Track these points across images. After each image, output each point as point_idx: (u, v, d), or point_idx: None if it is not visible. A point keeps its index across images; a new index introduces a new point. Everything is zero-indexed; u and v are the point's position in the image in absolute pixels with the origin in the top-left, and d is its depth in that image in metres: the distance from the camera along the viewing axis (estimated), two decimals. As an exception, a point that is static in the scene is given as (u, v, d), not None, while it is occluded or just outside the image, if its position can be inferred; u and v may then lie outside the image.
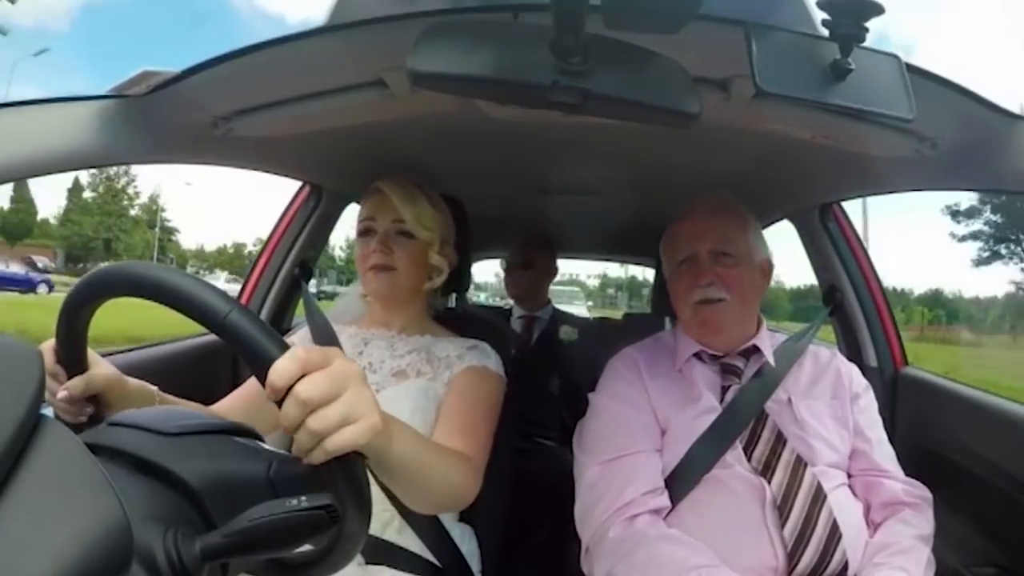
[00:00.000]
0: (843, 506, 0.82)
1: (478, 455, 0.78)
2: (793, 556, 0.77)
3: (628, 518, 0.80)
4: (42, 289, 18.72)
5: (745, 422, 0.86)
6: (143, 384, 0.69)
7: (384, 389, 0.89)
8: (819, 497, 0.80)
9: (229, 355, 1.30)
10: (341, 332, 0.98)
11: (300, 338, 1.00)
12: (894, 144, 0.79)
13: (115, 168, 30.01)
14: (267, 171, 1.14)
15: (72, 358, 0.58)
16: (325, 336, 0.98)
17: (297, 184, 1.37)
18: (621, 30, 0.47)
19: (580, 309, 6.84)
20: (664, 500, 0.83)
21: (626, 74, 0.49)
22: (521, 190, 1.54)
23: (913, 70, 0.55)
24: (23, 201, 31.96)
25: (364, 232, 0.96)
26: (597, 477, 0.86)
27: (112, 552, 0.30)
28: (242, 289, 1.44)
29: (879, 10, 0.47)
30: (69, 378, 0.59)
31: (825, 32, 0.49)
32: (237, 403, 0.88)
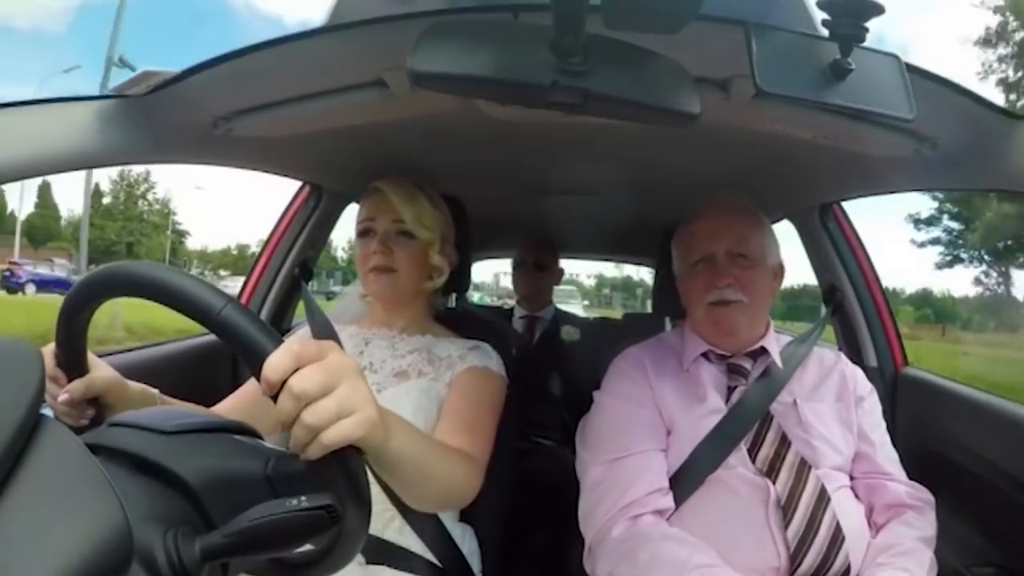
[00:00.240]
0: (845, 508, 0.82)
1: (479, 453, 0.78)
2: (796, 557, 0.77)
3: (632, 517, 0.80)
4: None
5: (750, 423, 0.86)
6: (144, 387, 0.69)
7: (385, 389, 0.89)
8: (823, 499, 0.80)
9: (229, 355, 1.30)
10: (342, 332, 0.98)
11: (300, 338, 1.00)
12: (894, 144, 0.79)
13: (135, 174, 33.60)
14: (267, 171, 1.14)
15: (72, 361, 0.58)
16: (326, 336, 0.97)
17: (297, 184, 1.37)
18: (621, 30, 0.47)
19: (576, 308, 6.84)
20: (668, 500, 0.83)
21: (626, 74, 0.49)
22: (521, 190, 1.54)
23: (913, 70, 0.55)
24: (47, 207, 33.19)
25: (364, 233, 0.96)
26: (601, 476, 0.86)
27: (112, 552, 0.30)
28: (242, 289, 1.44)
29: (879, 10, 0.47)
30: (69, 381, 0.59)
31: (825, 32, 0.49)
32: (237, 404, 0.88)
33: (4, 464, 0.28)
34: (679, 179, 1.27)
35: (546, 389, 1.87)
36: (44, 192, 33.00)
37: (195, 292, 0.42)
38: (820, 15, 0.49)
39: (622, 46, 0.49)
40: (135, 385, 0.67)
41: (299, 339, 1.00)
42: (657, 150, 1.09)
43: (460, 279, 1.06)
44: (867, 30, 0.48)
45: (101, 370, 0.62)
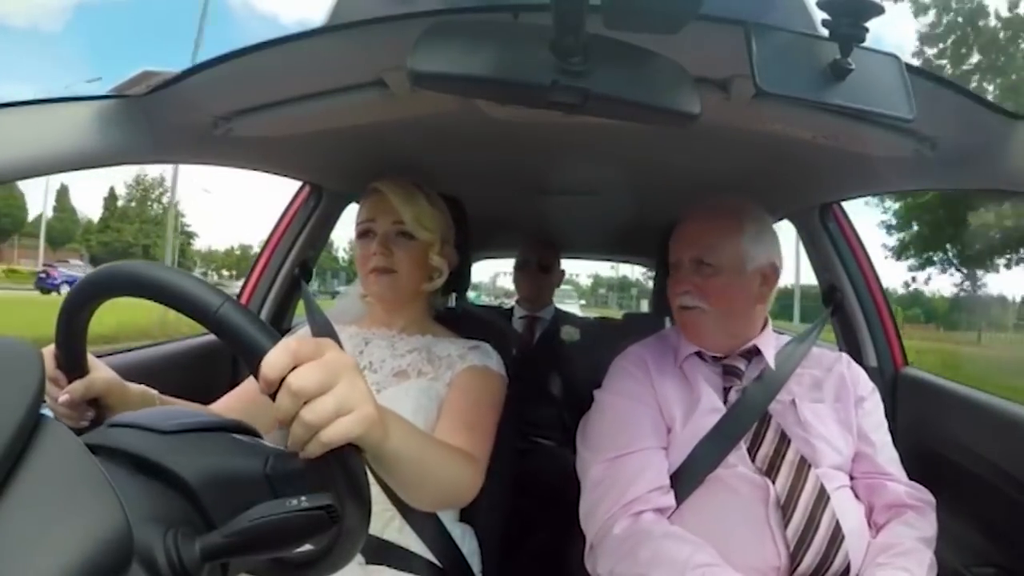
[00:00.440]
0: (845, 507, 0.82)
1: (480, 452, 0.78)
2: (796, 556, 0.77)
3: (633, 515, 0.80)
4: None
5: (749, 423, 0.86)
6: (144, 388, 0.69)
7: (385, 389, 0.89)
8: (822, 498, 0.80)
9: (228, 355, 1.30)
10: (342, 332, 0.98)
11: (300, 337, 1.00)
12: (894, 144, 0.79)
13: (150, 178, 34.13)
14: (267, 171, 1.14)
15: (72, 362, 0.58)
16: (326, 336, 0.97)
17: (297, 184, 1.37)
18: (621, 30, 0.47)
19: (573, 307, 6.87)
20: (669, 499, 0.83)
21: (626, 74, 0.49)
22: (521, 190, 1.54)
23: (913, 70, 0.55)
24: (65, 210, 34.38)
25: (363, 234, 0.96)
26: (602, 474, 0.86)
27: (112, 552, 0.30)
28: (242, 289, 1.44)
29: (879, 10, 0.47)
30: (69, 382, 0.59)
31: (825, 32, 0.49)
32: (234, 402, 0.87)
33: (4, 464, 0.28)
34: (679, 179, 1.27)
35: (546, 389, 1.86)
36: (62, 196, 34.25)
37: (193, 291, 0.42)
38: (820, 15, 0.49)
39: (622, 46, 0.49)
40: (134, 386, 0.67)
41: (298, 338, 1.00)
42: (657, 150, 1.09)
43: (460, 279, 1.06)
44: (867, 30, 0.48)
45: (101, 371, 0.62)
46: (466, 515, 0.94)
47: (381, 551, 0.82)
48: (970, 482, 1.00)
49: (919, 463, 0.94)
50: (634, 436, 0.87)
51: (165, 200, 34.42)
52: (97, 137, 0.67)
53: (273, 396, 0.41)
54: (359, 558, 0.79)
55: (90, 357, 0.60)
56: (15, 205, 31.81)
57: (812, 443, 0.85)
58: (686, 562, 0.74)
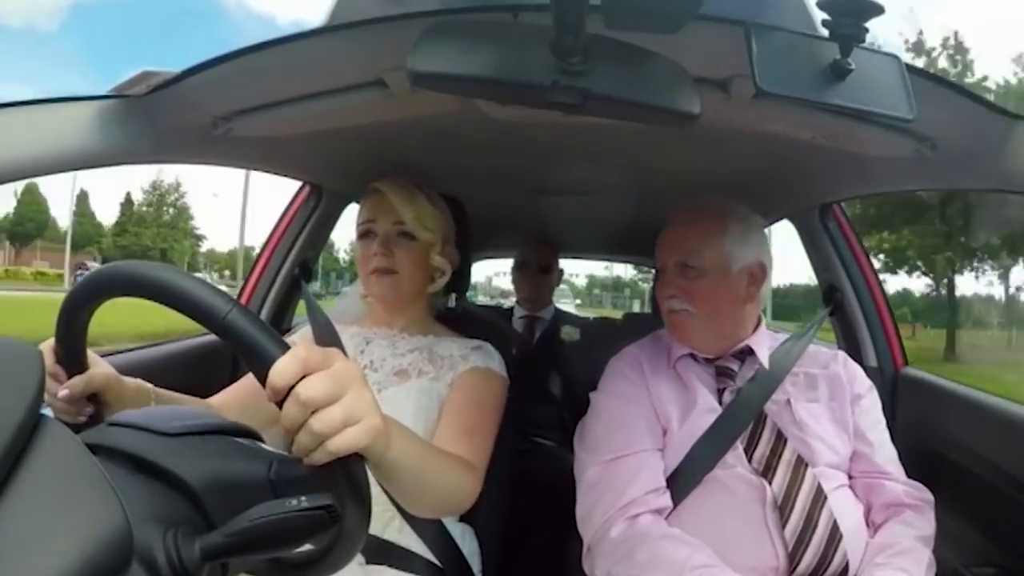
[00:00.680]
0: (843, 507, 0.82)
1: (479, 458, 0.78)
2: (794, 557, 0.77)
3: (630, 517, 0.80)
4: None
5: (745, 423, 0.86)
6: (139, 382, 0.69)
7: (386, 389, 0.89)
8: (819, 498, 0.80)
9: (228, 355, 1.30)
10: (343, 332, 0.98)
11: (301, 337, 1.00)
12: (894, 144, 0.79)
13: (166, 184, 36.43)
14: (267, 171, 1.14)
15: (72, 358, 0.58)
16: (327, 335, 0.97)
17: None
18: (621, 30, 0.47)
19: (569, 307, 6.90)
20: (666, 500, 0.83)
21: (626, 74, 0.49)
22: (521, 191, 1.54)
23: (913, 70, 0.55)
24: (85, 215, 36.20)
25: (364, 234, 0.95)
26: (599, 476, 0.86)
27: (112, 552, 0.30)
28: (242, 289, 1.44)
29: (879, 10, 0.47)
30: (69, 378, 0.59)
31: (825, 32, 0.49)
32: (234, 398, 0.87)
33: (4, 464, 0.28)
34: (679, 179, 1.27)
35: (546, 389, 1.87)
36: (82, 201, 35.82)
37: (200, 295, 0.41)
38: (820, 15, 0.49)
39: (622, 46, 0.49)
40: (130, 381, 0.67)
41: (300, 337, 1.00)
42: (656, 150, 1.09)
43: (460, 279, 1.06)
44: (867, 30, 0.48)
45: (100, 367, 0.62)
46: (466, 515, 0.94)
47: (381, 551, 0.82)
48: (970, 482, 1.00)
49: (919, 463, 0.94)
50: (630, 438, 0.87)
51: (180, 205, 37.10)
52: (97, 137, 0.67)
53: (279, 403, 0.41)
54: (359, 558, 0.79)
55: (89, 353, 0.60)
56: (39, 210, 34.22)
57: (808, 442, 0.85)
58: (684, 563, 0.74)
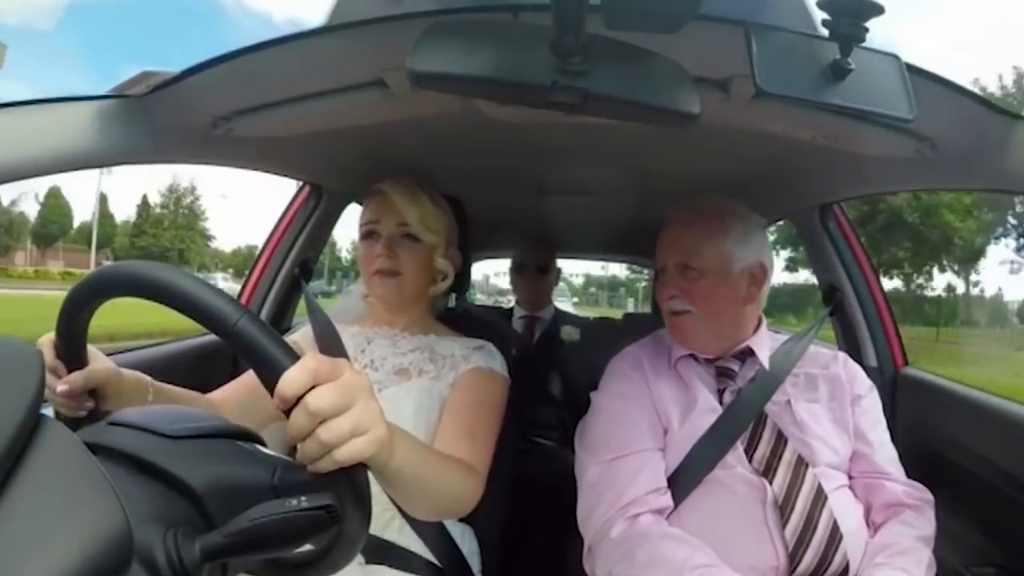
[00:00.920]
0: (843, 507, 0.82)
1: (480, 461, 0.78)
2: (794, 557, 0.77)
3: (631, 517, 0.80)
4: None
5: (745, 423, 0.86)
6: (139, 376, 0.69)
7: (386, 388, 0.89)
8: (820, 497, 0.80)
9: (229, 355, 1.30)
10: (343, 331, 0.98)
11: (302, 336, 1.00)
12: (894, 144, 0.79)
13: (182, 187, 38.05)
14: (267, 171, 1.14)
15: (72, 353, 0.58)
16: (328, 336, 0.97)
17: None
18: (621, 30, 0.47)
19: (567, 305, 6.91)
20: (667, 500, 0.83)
21: (626, 74, 0.49)
22: (521, 191, 1.54)
23: (913, 70, 0.55)
24: (105, 216, 37.59)
25: (367, 235, 0.95)
26: (599, 476, 0.86)
27: (112, 552, 0.30)
28: (242, 289, 1.44)
29: (879, 10, 0.47)
30: (68, 372, 0.59)
31: (825, 32, 0.49)
32: (233, 394, 0.87)
33: (4, 464, 0.28)
34: (679, 179, 1.27)
35: (546, 389, 1.86)
36: (102, 203, 36.98)
37: (210, 301, 0.41)
38: (820, 15, 0.49)
39: (622, 46, 0.49)
40: (129, 374, 0.67)
41: (301, 336, 1.00)
42: (657, 150, 1.09)
43: (461, 280, 1.06)
44: (867, 30, 0.48)
45: (100, 361, 0.62)
46: (466, 515, 0.94)
47: (381, 551, 0.82)
48: (970, 482, 1.00)
49: (919, 463, 0.94)
50: (630, 437, 0.87)
51: (196, 208, 38.71)
52: (97, 137, 0.67)
53: (287, 411, 0.41)
54: (359, 558, 0.80)
55: (89, 347, 0.60)
56: (63, 212, 36.18)
57: (808, 443, 0.85)
58: (684, 563, 0.74)
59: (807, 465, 0.83)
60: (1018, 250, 23.62)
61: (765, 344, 0.94)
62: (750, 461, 0.84)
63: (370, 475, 0.46)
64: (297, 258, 1.40)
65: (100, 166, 0.70)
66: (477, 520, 0.95)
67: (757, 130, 0.81)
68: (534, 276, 2.02)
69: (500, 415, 0.87)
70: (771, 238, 1.13)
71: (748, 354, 0.93)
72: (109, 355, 0.64)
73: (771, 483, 0.81)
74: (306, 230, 1.39)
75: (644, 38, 0.49)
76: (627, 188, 1.42)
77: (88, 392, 0.61)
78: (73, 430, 0.36)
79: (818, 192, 1.24)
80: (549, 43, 0.47)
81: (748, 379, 0.91)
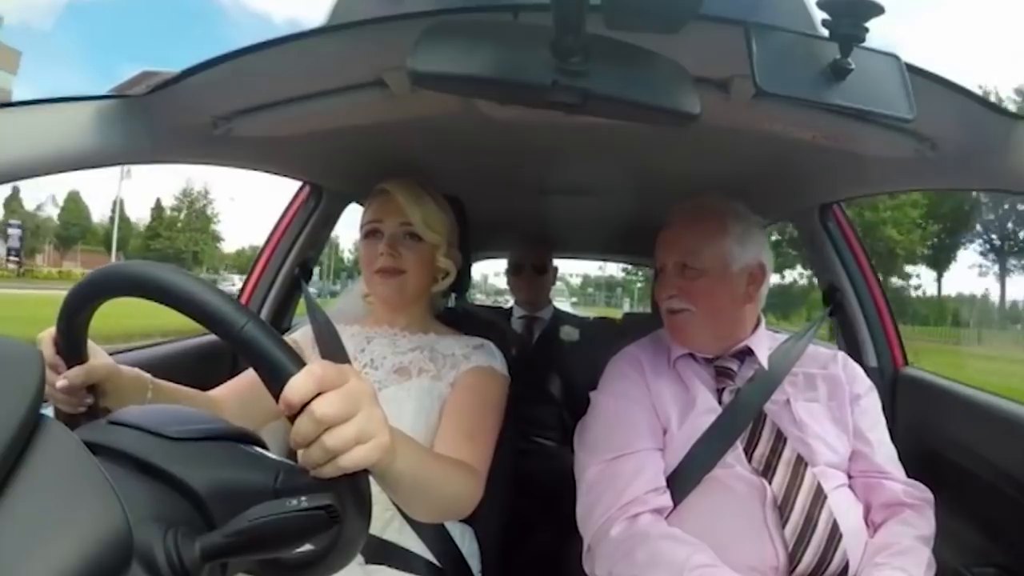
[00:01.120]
0: (843, 507, 0.82)
1: (481, 462, 0.78)
2: (794, 556, 0.77)
3: (630, 517, 0.80)
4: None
5: (745, 422, 0.86)
6: (138, 372, 0.69)
7: (386, 387, 0.89)
8: (819, 497, 0.80)
9: (228, 355, 1.30)
10: (343, 331, 0.98)
11: (302, 336, 1.00)
12: (894, 144, 0.79)
13: (196, 191, 39.47)
14: (267, 171, 1.14)
15: (72, 349, 0.58)
16: (328, 336, 0.97)
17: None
18: (621, 30, 0.47)
19: (565, 305, 6.92)
20: (666, 499, 0.83)
21: (626, 74, 0.49)
22: (521, 191, 1.54)
23: (913, 70, 0.55)
24: (121, 219, 38.92)
25: (370, 234, 0.95)
26: (599, 476, 0.86)
27: (112, 552, 0.30)
28: (242, 289, 1.44)
29: (879, 10, 0.47)
30: (68, 368, 0.59)
31: (825, 32, 0.49)
32: (234, 392, 0.87)
33: (4, 464, 0.28)
34: (679, 179, 1.26)
35: (545, 389, 1.86)
36: (115, 206, 38.25)
37: (217, 305, 0.41)
38: (820, 15, 0.49)
39: (622, 46, 0.49)
40: (128, 371, 0.67)
41: (301, 336, 1.00)
42: (657, 151, 1.09)
43: (460, 279, 1.06)
44: (867, 30, 0.48)
45: (100, 357, 0.62)
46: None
47: (381, 551, 0.82)
48: (970, 482, 1.00)
49: (919, 463, 0.94)
50: (630, 437, 0.87)
51: (208, 211, 40.45)
52: (97, 137, 0.67)
53: (291, 417, 0.41)
54: (359, 558, 0.80)
55: (90, 343, 0.60)
56: (82, 215, 38.55)
57: (808, 442, 0.85)
58: (684, 563, 0.74)
59: (806, 465, 0.83)
60: (983, 254, 26.92)
61: (764, 344, 0.94)
62: (749, 461, 0.84)
63: (370, 476, 0.46)
64: (297, 258, 1.40)
65: (100, 166, 0.70)
66: (477, 520, 0.95)
67: (757, 130, 0.81)
68: (532, 277, 2.02)
69: (500, 415, 0.87)
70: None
71: (747, 354, 0.93)
72: (110, 355, 0.64)
73: (770, 483, 0.81)
74: (306, 230, 1.39)
75: (644, 38, 0.49)
76: (627, 188, 1.42)
77: (87, 388, 0.61)
78: (72, 426, 0.36)
79: (818, 192, 1.24)
80: (549, 43, 0.46)
81: (747, 379, 0.91)
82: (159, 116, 0.73)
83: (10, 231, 30.40)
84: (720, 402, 0.89)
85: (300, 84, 0.76)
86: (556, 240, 2.13)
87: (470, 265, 1.17)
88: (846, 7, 0.48)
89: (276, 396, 0.41)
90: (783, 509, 0.79)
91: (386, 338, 0.96)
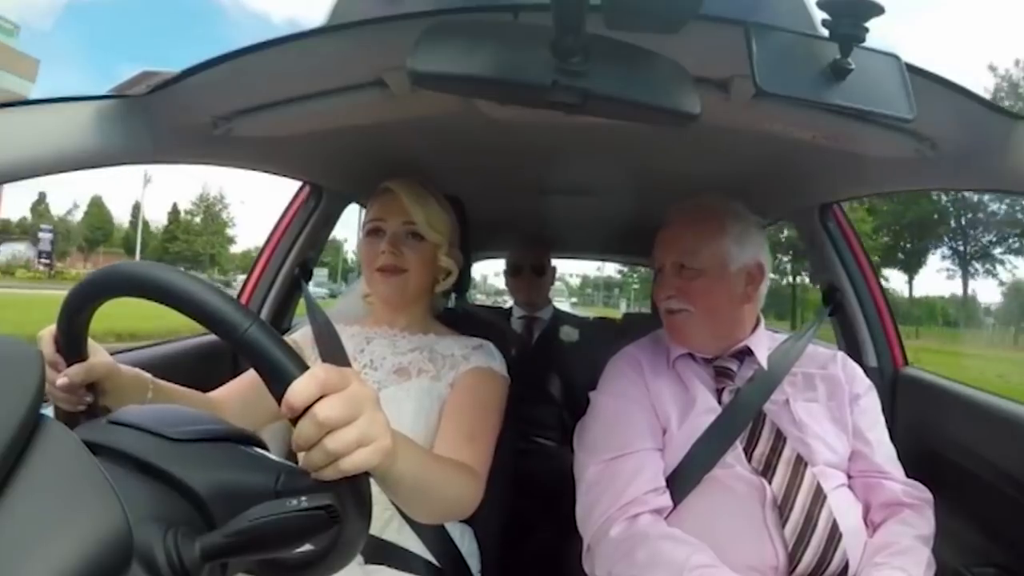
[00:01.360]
0: (842, 507, 0.82)
1: (481, 463, 0.78)
2: (794, 556, 0.77)
3: (630, 517, 0.80)
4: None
5: (744, 422, 0.86)
6: (138, 372, 0.69)
7: (386, 387, 0.89)
8: (819, 496, 0.80)
9: (229, 355, 1.30)
10: (343, 331, 0.98)
11: (302, 336, 1.00)
12: (894, 144, 0.79)
13: (212, 196, 40.42)
14: (267, 171, 1.14)
15: (72, 347, 0.58)
16: (328, 336, 0.97)
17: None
18: (621, 30, 0.47)
19: (565, 305, 6.92)
20: (666, 499, 0.83)
21: (626, 74, 0.49)
22: (520, 191, 1.54)
23: (913, 70, 0.55)
24: (143, 223, 40.29)
25: (372, 232, 0.95)
26: (598, 476, 0.86)
27: (112, 552, 0.30)
28: (242, 289, 1.44)
29: (879, 10, 0.47)
30: (68, 366, 0.59)
31: (825, 32, 0.49)
32: (235, 393, 0.87)
33: (4, 464, 0.28)
34: (678, 179, 1.27)
35: (545, 389, 1.86)
36: (136, 211, 40.07)
37: (220, 307, 0.41)
38: (820, 15, 0.49)
39: (622, 46, 0.49)
40: (128, 371, 0.67)
41: (301, 336, 1.00)
42: (657, 151, 1.09)
43: (460, 279, 1.06)
44: (867, 30, 0.48)
45: (100, 355, 0.62)
46: (465, 515, 0.94)
47: (380, 551, 0.82)
48: (970, 482, 1.00)
49: (919, 463, 0.94)
50: (630, 437, 0.87)
51: (224, 216, 41.45)
52: (97, 137, 0.67)
53: (293, 420, 0.42)
54: (358, 558, 0.80)
55: (90, 342, 0.60)
56: (105, 220, 40.20)
57: (807, 442, 0.85)
58: (684, 563, 0.74)
59: (806, 464, 0.83)
60: (944, 258, 28.50)
61: (763, 344, 0.94)
62: (749, 460, 0.84)
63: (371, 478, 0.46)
64: (297, 258, 1.40)
65: (100, 166, 0.70)
66: (476, 520, 0.95)
67: (757, 130, 0.81)
68: (530, 278, 2.01)
69: (500, 415, 0.87)
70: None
71: (746, 354, 0.93)
72: (110, 355, 0.64)
73: (770, 482, 0.81)
74: (306, 230, 1.39)
75: (644, 38, 0.49)
76: (627, 188, 1.42)
77: (87, 387, 0.61)
78: (71, 425, 0.36)
79: (818, 192, 1.24)
80: (549, 43, 0.46)
81: (746, 379, 0.91)
82: (159, 116, 0.73)
83: (41, 235, 31.47)
84: (719, 402, 0.89)
85: (300, 84, 0.76)
86: (555, 240, 2.12)
87: (470, 265, 1.17)
88: (846, 7, 0.48)
89: (279, 399, 0.41)
90: (783, 509, 0.79)
91: (386, 338, 0.96)
